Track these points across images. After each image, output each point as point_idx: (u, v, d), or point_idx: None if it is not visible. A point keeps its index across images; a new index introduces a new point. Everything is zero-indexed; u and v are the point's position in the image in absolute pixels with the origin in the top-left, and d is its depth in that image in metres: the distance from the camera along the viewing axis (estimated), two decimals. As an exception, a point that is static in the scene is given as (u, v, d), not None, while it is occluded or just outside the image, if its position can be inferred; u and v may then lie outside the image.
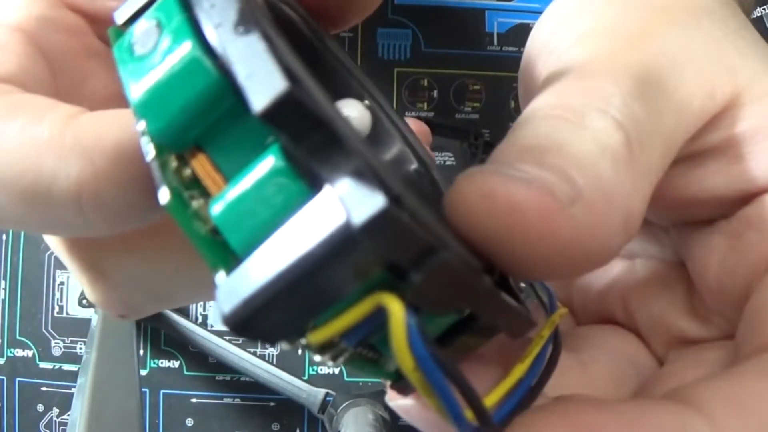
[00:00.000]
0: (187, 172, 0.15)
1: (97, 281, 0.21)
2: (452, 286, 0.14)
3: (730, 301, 0.19)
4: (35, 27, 0.21)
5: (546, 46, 0.20)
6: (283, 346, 0.14)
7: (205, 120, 0.14)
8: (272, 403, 0.42)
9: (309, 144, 0.13)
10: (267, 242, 0.13)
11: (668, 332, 0.20)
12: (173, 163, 0.15)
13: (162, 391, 0.42)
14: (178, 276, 0.20)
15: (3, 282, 0.42)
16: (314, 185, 0.13)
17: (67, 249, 0.21)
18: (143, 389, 0.41)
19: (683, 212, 0.20)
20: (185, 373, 0.42)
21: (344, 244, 0.12)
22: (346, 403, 0.42)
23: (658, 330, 0.21)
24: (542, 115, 0.17)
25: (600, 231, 0.16)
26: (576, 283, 0.23)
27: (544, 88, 0.18)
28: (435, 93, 0.42)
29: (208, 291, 0.20)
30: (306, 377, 0.42)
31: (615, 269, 0.23)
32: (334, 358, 0.15)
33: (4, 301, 0.42)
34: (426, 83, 0.42)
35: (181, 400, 0.42)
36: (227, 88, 0.14)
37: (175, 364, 0.42)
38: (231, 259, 0.14)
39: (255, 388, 0.42)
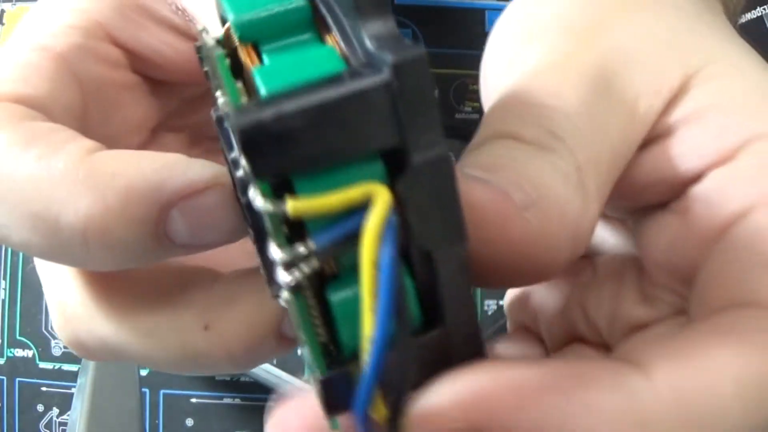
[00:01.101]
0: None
1: (64, 327, 0.21)
2: (439, 197, 0.14)
3: (681, 275, 0.19)
4: (73, 55, 0.21)
5: (502, 44, 0.20)
6: (264, 202, 0.14)
7: None
8: (272, 403, 0.43)
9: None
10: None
11: (625, 325, 0.20)
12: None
13: (162, 391, 0.42)
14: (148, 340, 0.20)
15: (3, 282, 0.42)
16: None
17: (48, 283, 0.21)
18: (143, 389, 0.41)
19: (637, 199, 0.20)
20: (185, 373, 0.42)
21: (376, 84, 0.13)
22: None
23: (616, 327, 0.20)
24: (496, 136, 0.18)
25: (551, 242, 0.16)
26: (538, 309, 0.23)
27: (499, 99, 0.19)
28: (435, 93, 0.42)
29: (174, 360, 0.20)
30: (306, 377, 0.42)
31: (569, 283, 0.23)
32: (295, 264, 0.14)
33: (4, 301, 0.42)
34: (426, 83, 0.42)
35: (181, 400, 0.42)
36: None
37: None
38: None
39: (255, 388, 0.42)
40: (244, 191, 0.15)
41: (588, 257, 0.23)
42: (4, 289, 0.42)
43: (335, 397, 0.15)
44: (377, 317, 0.13)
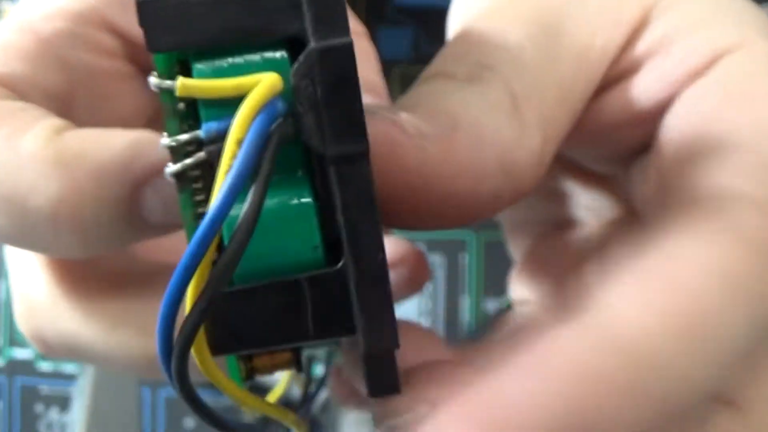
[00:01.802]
0: None
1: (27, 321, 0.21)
2: (334, 87, 0.13)
3: None
4: (62, 40, 0.21)
5: None
6: (155, 78, 0.13)
7: None
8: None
9: None
10: None
11: None
12: None
13: (162, 391, 0.42)
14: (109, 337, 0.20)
15: (3, 282, 0.42)
16: None
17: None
18: (143, 389, 0.41)
19: (614, 143, 0.19)
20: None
21: None
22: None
23: None
24: (427, 77, 0.17)
25: (467, 169, 0.16)
26: (541, 286, 0.23)
27: (444, 44, 0.18)
28: None
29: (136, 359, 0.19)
30: (306, 377, 0.42)
31: (569, 254, 0.22)
32: (180, 154, 0.14)
33: (4, 301, 0.42)
34: (426, 83, 0.42)
35: (181, 401, 0.42)
36: None
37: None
38: None
39: (255, 388, 0.42)
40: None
41: (575, 227, 0.22)
42: (5, 289, 0.42)
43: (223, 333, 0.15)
44: (216, 198, 0.12)
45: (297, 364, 0.17)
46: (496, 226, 0.27)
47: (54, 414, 0.42)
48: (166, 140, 0.14)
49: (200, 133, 0.13)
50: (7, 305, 0.42)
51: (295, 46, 0.14)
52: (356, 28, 0.23)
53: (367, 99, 0.22)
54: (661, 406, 0.14)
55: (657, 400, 0.14)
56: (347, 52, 0.13)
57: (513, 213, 0.25)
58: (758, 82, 0.17)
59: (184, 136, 0.14)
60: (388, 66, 0.43)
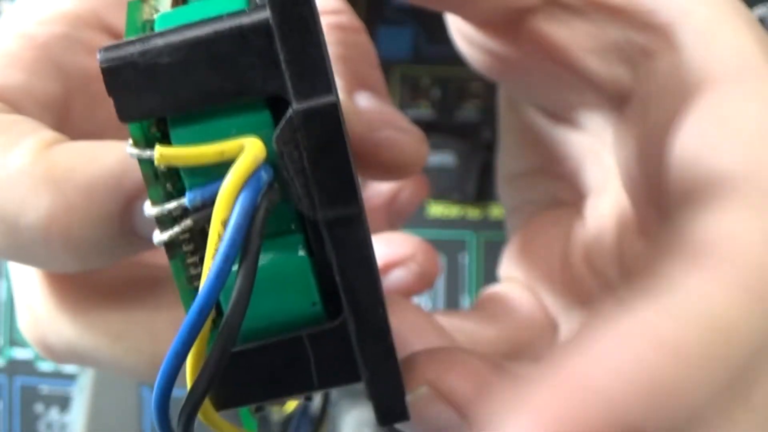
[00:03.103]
0: None
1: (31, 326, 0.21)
2: (321, 152, 0.12)
3: (657, 188, 0.18)
4: (59, 45, 0.20)
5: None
6: (131, 147, 0.13)
7: None
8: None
9: None
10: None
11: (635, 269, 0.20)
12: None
13: (162, 391, 0.42)
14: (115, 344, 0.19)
15: (3, 282, 0.41)
16: None
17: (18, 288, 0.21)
18: (143, 389, 0.41)
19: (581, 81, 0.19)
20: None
21: (253, 21, 0.12)
22: (346, 403, 0.42)
23: (627, 275, 0.20)
24: None
25: None
26: (537, 269, 0.23)
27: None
28: (435, 92, 0.42)
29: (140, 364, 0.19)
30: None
31: (564, 237, 0.22)
32: (166, 222, 0.13)
33: (4, 301, 0.42)
34: (426, 82, 0.42)
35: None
36: None
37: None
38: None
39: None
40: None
41: (574, 207, 0.22)
42: (5, 289, 0.42)
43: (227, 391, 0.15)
44: (204, 283, 0.12)
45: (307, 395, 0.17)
46: (496, 226, 0.27)
47: (54, 414, 0.42)
48: (151, 210, 0.13)
49: (185, 201, 0.13)
50: (7, 305, 0.42)
51: (275, 101, 0.13)
52: (354, 23, 0.23)
53: (366, 97, 0.22)
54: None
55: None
56: (332, 113, 0.12)
57: (513, 194, 0.25)
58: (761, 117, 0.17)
59: (169, 206, 0.13)
60: (388, 66, 0.43)
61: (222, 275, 0.12)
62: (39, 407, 0.42)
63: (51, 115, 0.19)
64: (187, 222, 0.13)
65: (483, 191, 0.36)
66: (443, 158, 0.44)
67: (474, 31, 0.21)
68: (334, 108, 0.12)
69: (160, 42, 0.12)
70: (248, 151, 0.12)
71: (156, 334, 0.19)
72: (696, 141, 0.17)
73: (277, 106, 0.13)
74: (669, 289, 0.14)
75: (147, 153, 0.13)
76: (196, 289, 0.14)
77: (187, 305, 0.14)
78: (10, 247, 0.17)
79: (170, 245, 0.13)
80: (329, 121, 0.12)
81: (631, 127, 0.19)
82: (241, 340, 0.14)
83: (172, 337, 0.18)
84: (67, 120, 0.19)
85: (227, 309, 0.12)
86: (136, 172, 0.16)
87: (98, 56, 0.12)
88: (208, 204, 0.13)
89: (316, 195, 0.13)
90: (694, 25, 0.17)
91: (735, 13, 0.18)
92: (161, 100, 0.12)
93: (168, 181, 0.13)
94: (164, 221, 0.13)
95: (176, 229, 0.13)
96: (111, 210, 0.16)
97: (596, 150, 0.22)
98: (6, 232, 0.17)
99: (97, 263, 0.18)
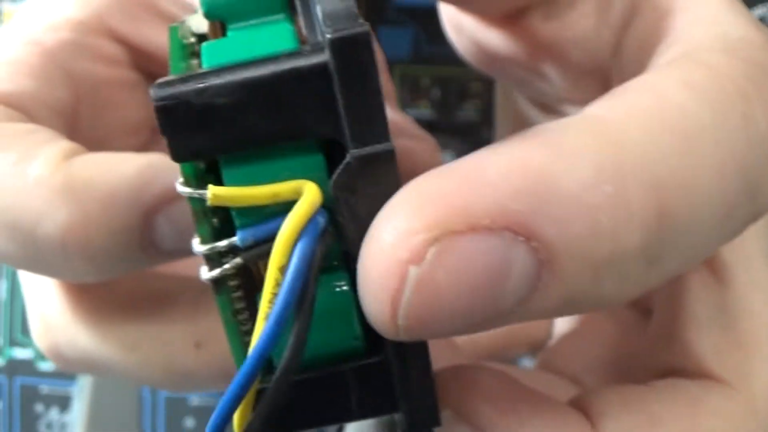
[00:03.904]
0: None
1: (44, 337, 0.20)
2: (377, 198, 0.12)
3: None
4: (66, 51, 0.20)
5: None
6: (182, 186, 0.12)
7: None
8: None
9: None
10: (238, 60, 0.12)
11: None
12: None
13: (162, 391, 0.42)
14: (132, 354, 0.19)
15: (3, 282, 0.42)
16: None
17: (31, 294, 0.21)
18: (143, 389, 0.41)
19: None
20: (185, 373, 0.42)
21: (311, 63, 0.12)
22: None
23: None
24: None
25: None
26: (579, 354, 0.22)
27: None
28: (435, 92, 0.42)
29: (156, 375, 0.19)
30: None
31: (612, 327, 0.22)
32: (218, 262, 0.13)
33: (4, 301, 0.42)
34: (426, 82, 0.42)
35: (181, 400, 0.42)
36: None
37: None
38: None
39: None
40: None
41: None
42: (5, 289, 0.42)
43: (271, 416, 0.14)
44: (263, 330, 0.12)
45: None
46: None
47: (54, 414, 0.42)
48: (200, 247, 0.13)
49: (236, 240, 0.13)
50: (7, 305, 0.42)
51: (327, 144, 0.13)
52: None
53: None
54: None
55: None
56: (390, 160, 0.12)
57: None
58: None
59: (220, 244, 0.13)
60: (388, 65, 0.43)
61: (281, 322, 0.12)
62: (39, 407, 0.42)
63: (62, 122, 0.19)
64: (237, 260, 0.13)
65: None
66: (443, 158, 0.44)
67: (467, 22, 0.21)
68: (392, 155, 0.12)
69: (216, 81, 0.12)
70: (306, 196, 0.12)
71: (170, 345, 0.18)
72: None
73: (329, 148, 0.13)
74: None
75: (199, 192, 0.12)
76: (241, 322, 0.14)
77: (233, 339, 0.14)
78: (27, 257, 0.17)
79: (217, 281, 0.13)
80: (387, 168, 0.12)
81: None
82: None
83: (185, 349, 0.18)
84: (75, 127, 0.19)
85: (282, 359, 0.12)
86: (156, 186, 0.16)
87: (151, 93, 0.12)
88: (260, 243, 0.13)
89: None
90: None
91: None
92: (215, 141, 0.12)
93: (215, 216, 0.13)
94: (212, 258, 0.13)
95: (226, 266, 0.13)
96: (130, 222, 0.16)
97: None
98: (24, 243, 0.17)
99: (114, 274, 0.18)
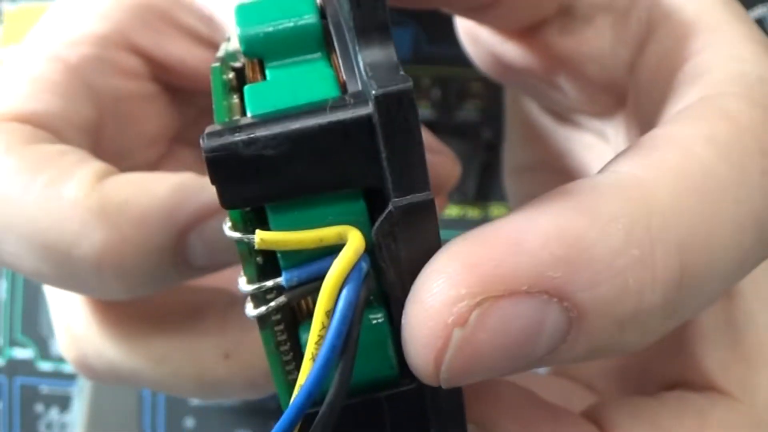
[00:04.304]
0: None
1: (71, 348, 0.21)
2: (416, 243, 0.13)
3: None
4: (90, 67, 0.21)
5: None
6: (231, 231, 0.13)
7: None
8: (272, 404, 0.42)
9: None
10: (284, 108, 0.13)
11: None
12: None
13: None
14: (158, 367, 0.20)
15: (3, 282, 0.42)
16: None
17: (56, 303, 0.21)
18: (143, 389, 0.41)
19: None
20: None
21: (357, 116, 0.12)
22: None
23: None
24: None
25: None
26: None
27: None
28: (435, 92, 0.42)
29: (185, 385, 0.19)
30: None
31: None
32: (263, 299, 0.14)
33: (4, 301, 0.42)
34: (426, 82, 0.42)
35: (181, 400, 0.42)
36: None
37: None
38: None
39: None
40: None
41: None
42: (5, 289, 0.42)
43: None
44: (310, 371, 0.12)
45: None
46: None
47: (54, 414, 0.42)
48: (247, 287, 0.14)
49: (281, 281, 0.13)
50: (7, 305, 0.42)
51: (368, 191, 0.13)
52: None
53: None
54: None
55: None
56: (430, 208, 0.13)
57: (518, 186, 0.26)
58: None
59: (266, 284, 0.14)
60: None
61: (328, 365, 0.12)
62: (39, 407, 0.42)
63: (88, 139, 0.20)
64: (282, 299, 0.14)
65: (483, 191, 0.36)
66: (443, 158, 0.44)
67: (483, 34, 0.21)
68: (432, 204, 0.13)
69: (263, 133, 0.12)
70: (351, 243, 0.13)
71: (198, 358, 0.19)
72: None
73: (369, 194, 0.13)
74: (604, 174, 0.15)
75: (247, 237, 0.13)
76: (283, 353, 0.14)
77: (276, 370, 0.15)
78: (61, 277, 0.17)
79: (261, 318, 0.14)
80: (426, 216, 0.13)
81: (629, 123, 0.20)
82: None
83: (215, 360, 0.18)
84: (98, 141, 0.20)
85: (328, 395, 0.13)
86: (189, 205, 0.17)
87: (202, 144, 0.12)
88: (304, 283, 0.13)
89: (408, 281, 0.13)
90: (682, 19, 0.18)
91: (725, 6, 0.18)
92: (263, 190, 0.13)
93: (259, 256, 0.14)
94: (258, 297, 0.14)
95: (272, 305, 0.14)
96: (164, 243, 0.17)
97: (598, 148, 0.22)
98: (59, 263, 0.17)
99: (147, 291, 0.18)
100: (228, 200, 0.13)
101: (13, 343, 0.42)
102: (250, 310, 0.14)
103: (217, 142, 0.12)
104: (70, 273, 0.17)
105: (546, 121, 0.24)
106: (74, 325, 0.20)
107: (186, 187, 0.17)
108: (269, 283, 0.14)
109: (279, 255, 0.13)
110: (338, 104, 0.13)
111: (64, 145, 0.19)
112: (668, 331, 0.15)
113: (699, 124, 0.15)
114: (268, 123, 0.13)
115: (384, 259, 0.13)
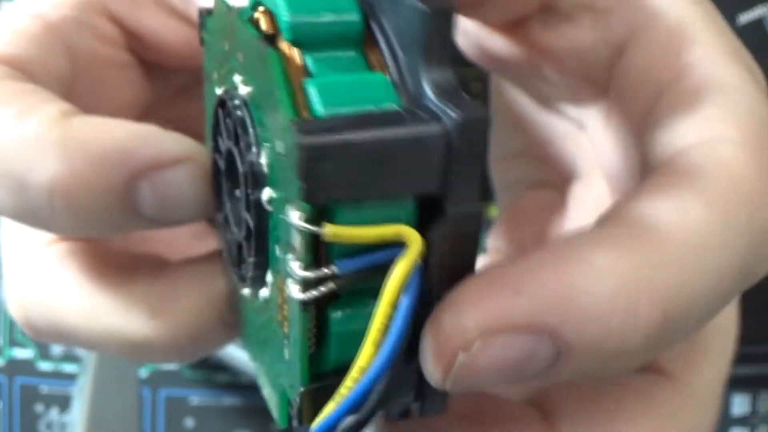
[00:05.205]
0: None
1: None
2: (462, 247, 0.15)
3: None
4: (68, 26, 0.21)
5: None
6: (302, 222, 0.14)
7: None
8: (272, 404, 0.43)
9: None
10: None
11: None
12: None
13: (162, 392, 0.42)
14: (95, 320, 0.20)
15: (2, 282, 0.42)
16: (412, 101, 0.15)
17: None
18: (143, 390, 0.41)
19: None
20: (185, 373, 0.42)
21: (438, 134, 0.14)
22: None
23: None
24: None
25: None
26: None
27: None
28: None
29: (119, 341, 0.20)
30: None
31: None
32: (314, 284, 0.15)
33: (4, 301, 0.42)
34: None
35: (181, 401, 0.42)
36: None
37: (175, 364, 0.42)
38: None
39: (255, 388, 0.42)
40: (255, 187, 0.16)
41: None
42: (4, 289, 0.42)
43: (315, 407, 0.16)
44: (379, 355, 0.14)
45: None
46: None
47: (54, 414, 0.42)
48: (303, 272, 0.14)
49: (335, 269, 0.14)
50: (7, 305, 0.42)
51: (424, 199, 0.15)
52: None
53: None
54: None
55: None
56: (478, 217, 0.15)
57: (502, 173, 0.27)
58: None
59: (321, 272, 0.14)
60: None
61: (393, 355, 0.14)
62: (39, 407, 0.42)
63: (60, 90, 0.21)
64: (331, 285, 0.15)
65: (482, 191, 0.36)
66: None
67: (471, 26, 0.22)
68: (480, 215, 0.15)
69: (355, 138, 0.14)
70: (414, 244, 0.14)
71: (126, 317, 0.19)
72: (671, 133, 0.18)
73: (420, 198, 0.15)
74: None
75: (315, 228, 0.14)
76: (309, 330, 0.16)
77: (304, 345, 0.15)
78: (18, 206, 0.18)
79: (306, 301, 0.15)
80: (475, 223, 0.15)
81: (607, 115, 0.21)
82: (338, 368, 0.16)
83: (142, 320, 0.19)
84: (70, 100, 0.20)
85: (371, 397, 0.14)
86: (145, 151, 0.17)
87: (297, 139, 0.13)
88: (355, 273, 0.15)
89: (450, 283, 0.15)
90: (665, 26, 0.19)
91: (705, 15, 0.19)
92: (343, 189, 0.14)
93: (316, 250, 0.15)
94: (309, 282, 0.15)
95: (322, 289, 0.15)
96: (114, 183, 0.17)
97: (577, 136, 0.23)
98: (15, 190, 0.18)
99: (97, 231, 0.19)
100: (311, 195, 0.14)
101: (13, 343, 0.42)
102: (298, 293, 0.14)
103: (314, 140, 0.13)
104: (26, 201, 0.18)
105: (529, 109, 0.25)
106: (20, 283, 0.21)
107: (146, 134, 0.18)
108: (324, 272, 0.14)
109: (334, 246, 0.14)
110: (413, 116, 0.14)
111: (35, 86, 0.19)
112: (648, 361, 0.16)
113: (692, 181, 0.16)
114: (353, 126, 0.14)
115: (432, 258, 0.15)
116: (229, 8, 0.17)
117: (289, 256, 0.15)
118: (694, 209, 0.16)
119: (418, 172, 0.14)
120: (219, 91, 0.18)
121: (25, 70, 0.20)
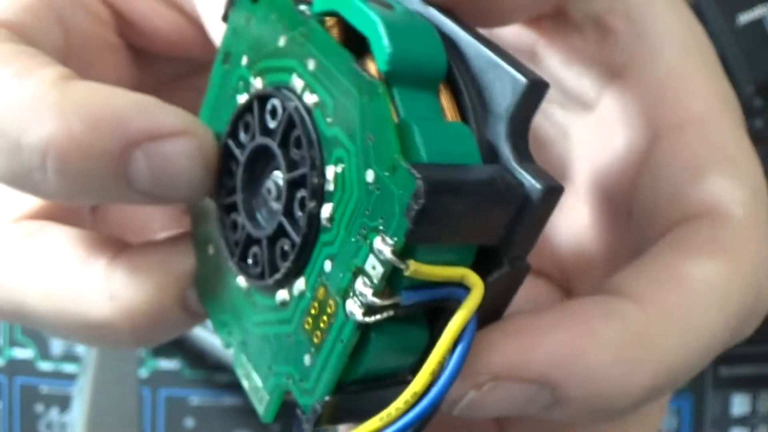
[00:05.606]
0: None
1: None
2: (510, 293, 0.17)
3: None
4: (64, 3, 0.21)
5: None
6: (392, 256, 0.15)
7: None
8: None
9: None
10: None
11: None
12: None
13: (162, 392, 0.42)
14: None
15: (3, 282, 0.42)
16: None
17: None
18: (143, 390, 0.41)
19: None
20: (185, 373, 0.42)
21: (521, 197, 0.15)
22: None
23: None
24: None
25: None
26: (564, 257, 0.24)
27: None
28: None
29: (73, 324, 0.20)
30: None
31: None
32: (377, 310, 0.15)
33: (4, 301, 0.42)
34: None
35: (181, 401, 0.42)
36: None
37: (175, 364, 0.42)
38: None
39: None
40: (313, 199, 0.16)
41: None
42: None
43: (334, 413, 0.17)
44: (437, 385, 0.15)
45: None
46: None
47: (54, 414, 0.42)
48: (375, 300, 0.15)
49: (400, 299, 0.15)
50: (7, 305, 0.42)
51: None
52: None
53: None
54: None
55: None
56: (526, 273, 0.16)
57: None
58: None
59: (388, 301, 0.15)
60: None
61: (448, 386, 0.15)
62: (39, 407, 0.42)
63: (57, 59, 0.20)
64: (390, 313, 0.15)
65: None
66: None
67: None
68: (528, 271, 0.16)
69: (459, 188, 0.15)
70: (477, 288, 0.15)
71: (84, 297, 0.19)
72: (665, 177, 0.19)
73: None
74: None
75: (400, 263, 0.15)
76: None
77: (342, 361, 0.16)
78: (8, 167, 0.18)
79: (363, 324, 0.15)
80: (522, 278, 0.17)
81: (594, 136, 0.21)
82: (360, 380, 0.17)
83: (100, 301, 0.19)
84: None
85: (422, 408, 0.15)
86: (142, 121, 0.17)
87: (420, 185, 0.14)
88: (416, 305, 0.16)
89: (482, 319, 0.16)
90: (664, 66, 0.20)
91: (701, 59, 0.20)
92: (438, 232, 0.15)
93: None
94: (374, 308, 0.15)
95: (384, 315, 0.15)
96: (109, 148, 0.17)
97: (559, 140, 0.23)
98: (9, 150, 0.17)
99: (88, 198, 0.19)
100: (415, 235, 0.14)
101: (13, 343, 0.42)
102: (360, 315, 0.15)
103: (433, 186, 0.14)
104: (18, 162, 0.17)
105: None
106: None
107: (146, 104, 0.18)
108: (391, 301, 0.15)
109: (403, 279, 0.15)
110: (505, 179, 0.15)
111: (36, 50, 0.19)
112: (637, 411, 0.18)
113: (703, 264, 0.18)
114: (460, 178, 0.15)
115: (487, 301, 0.16)
116: (301, 11, 0.17)
117: (359, 279, 0.15)
118: (702, 296, 0.18)
119: (497, 225, 0.15)
120: (255, 81, 0.18)
121: (26, 36, 0.20)
